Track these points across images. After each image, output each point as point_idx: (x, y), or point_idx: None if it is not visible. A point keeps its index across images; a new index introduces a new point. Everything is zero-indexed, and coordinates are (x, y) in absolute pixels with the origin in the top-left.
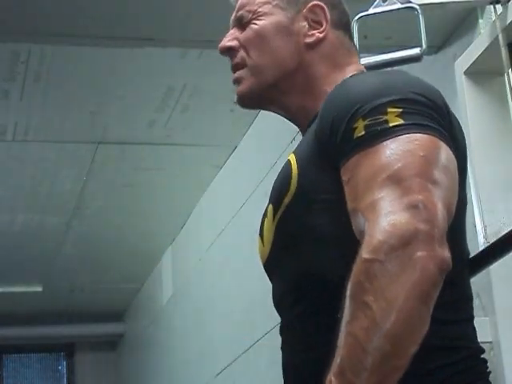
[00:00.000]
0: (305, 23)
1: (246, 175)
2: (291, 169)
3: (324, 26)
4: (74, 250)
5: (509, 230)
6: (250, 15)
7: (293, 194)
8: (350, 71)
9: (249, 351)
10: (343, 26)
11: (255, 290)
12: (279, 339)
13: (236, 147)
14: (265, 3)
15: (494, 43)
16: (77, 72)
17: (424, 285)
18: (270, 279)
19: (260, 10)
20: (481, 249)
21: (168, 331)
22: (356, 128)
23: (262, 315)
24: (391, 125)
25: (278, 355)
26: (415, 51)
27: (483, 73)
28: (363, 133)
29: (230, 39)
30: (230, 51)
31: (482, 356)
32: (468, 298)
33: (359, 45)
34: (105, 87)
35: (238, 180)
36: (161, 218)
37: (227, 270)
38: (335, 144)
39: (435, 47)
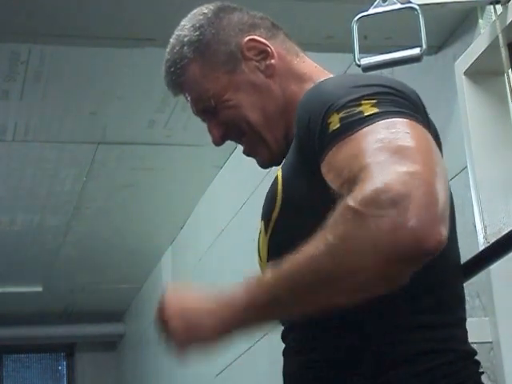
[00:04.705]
0: (253, 63)
1: (246, 175)
2: (277, 183)
3: (269, 50)
4: (73, 250)
5: (509, 230)
6: (214, 100)
7: (279, 208)
8: (318, 76)
9: (249, 351)
10: (272, 29)
11: None
12: (279, 340)
13: (236, 147)
14: (215, 80)
15: (494, 43)
16: (77, 72)
17: (393, 254)
18: None
19: (218, 89)
20: (481, 249)
21: None
22: (331, 122)
23: None
24: (366, 114)
25: (278, 355)
26: (415, 51)
27: (483, 73)
28: (338, 125)
29: (218, 130)
30: (228, 138)
31: (475, 358)
32: (459, 300)
33: (359, 45)
34: (104, 87)
35: (238, 180)
36: (161, 218)
37: (227, 270)
38: (314, 144)
39: (435, 47)
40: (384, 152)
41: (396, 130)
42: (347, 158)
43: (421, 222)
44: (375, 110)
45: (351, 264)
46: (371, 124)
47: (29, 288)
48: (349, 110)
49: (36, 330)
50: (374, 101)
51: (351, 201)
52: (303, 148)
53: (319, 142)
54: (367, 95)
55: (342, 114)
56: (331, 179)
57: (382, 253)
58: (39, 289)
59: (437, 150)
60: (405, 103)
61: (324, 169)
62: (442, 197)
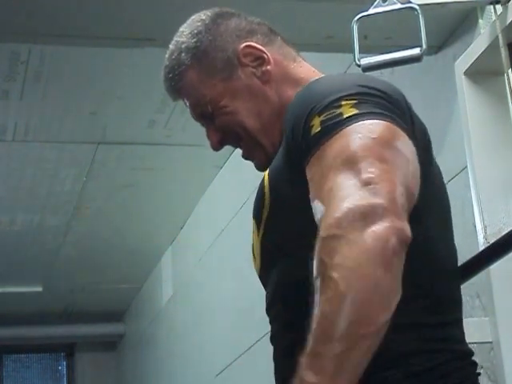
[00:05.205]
0: (250, 69)
1: (246, 175)
2: (264, 183)
3: (265, 56)
4: (73, 250)
5: (509, 230)
6: (211, 106)
7: (268, 207)
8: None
9: (249, 351)
10: (270, 35)
11: (255, 291)
12: None
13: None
14: (212, 86)
15: (494, 43)
16: (77, 72)
17: (385, 254)
18: (265, 289)
19: (214, 95)
20: (481, 249)
21: (168, 331)
22: (313, 126)
23: (261, 315)
24: (346, 116)
25: None
26: (415, 51)
27: (483, 73)
28: (319, 129)
29: (216, 135)
30: (226, 144)
31: (473, 358)
32: (455, 300)
33: (359, 45)
34: (105, 87)
35: (238, 180)
36: (161, 218)
37: (227, 269)
38: (298, 146)
39: (435, 47)
40: (345, 168)
41: (368, 135)
42: (320, 174)
43: (392, 222)
44: (355, 111)
45: (356, 286)
46: (348, 126)
47: (29, 288)
48: (329, 111)
49: (36, 330)
50: (354, 101)
51: (323, 232)
52: (289, 149)
53: (302, 145)
54: (347, 95)
55: (322, 117)
56: (310, 190)
57: (377, 258)
58: (39, 289)
59: (407, 152)
60: (385, 104)
61: (308, 175)
62: (398, 197)
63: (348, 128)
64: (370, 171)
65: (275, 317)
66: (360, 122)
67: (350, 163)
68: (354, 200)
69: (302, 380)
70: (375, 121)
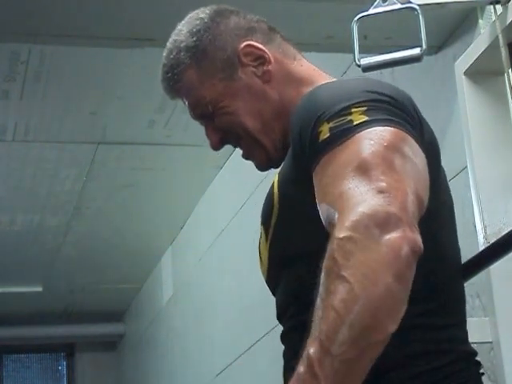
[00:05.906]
0: (250, 68)
1: (246, 175)
2: (273, 189)
3: (266, 56)
4: (73, 250)
5: (509, 229)
6: (211, 106)
7: (277, 214)
8: (316, 79)
9: (249, 351)
10: (269, 33)
11: (255, 290)
12: (279, 339)
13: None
14: (212, 86)
15: (493, 43)
16: (77, 72)
17: (398, 264)
18: (273, 294)
19: (215, 95)
20: (481, 249)
21: (168, 331)
22: (321, 132)
23: (261, 315)
24: (356, 123)
25: (278, 355)
26: (415, 51)
27: (483, 73)
28: (328, 135)
29: (216, 135)
30: (226, 143)
31: (476, 358)
32: (458, 301)
33: (359, 45)
34: (104, 87)
35: (238, 180)
36: (161, 218)
37: (227, 269)
38: (305, 152)
39: (435, 47)
40: (357, 174)
41: (379, 142)
42: (330, 178)
43: (404, 232)
44: (365, 117)
45: (370, 292)
46: (358, 132)
47: (29, 288)
48: (339, 119)
49: (36, 330)
50: (364, 108)
51: (338, 232)
52: (296, 153)
53: (309, 151)
54: (357, 103)
55: (331, 124)
56: (316, 192)
57: (391, 268)
58: (39, 289)
59: (417, 158)
60: (394, 110)
61: (315, 180)
62: (410, 207)
63: (359, 134)
64: (382, 179)
65: (287, 320)
66: (371, 129)
67: (362, 170)
68: (370, 205)
69: (314, 375)
70: (385, 127)
